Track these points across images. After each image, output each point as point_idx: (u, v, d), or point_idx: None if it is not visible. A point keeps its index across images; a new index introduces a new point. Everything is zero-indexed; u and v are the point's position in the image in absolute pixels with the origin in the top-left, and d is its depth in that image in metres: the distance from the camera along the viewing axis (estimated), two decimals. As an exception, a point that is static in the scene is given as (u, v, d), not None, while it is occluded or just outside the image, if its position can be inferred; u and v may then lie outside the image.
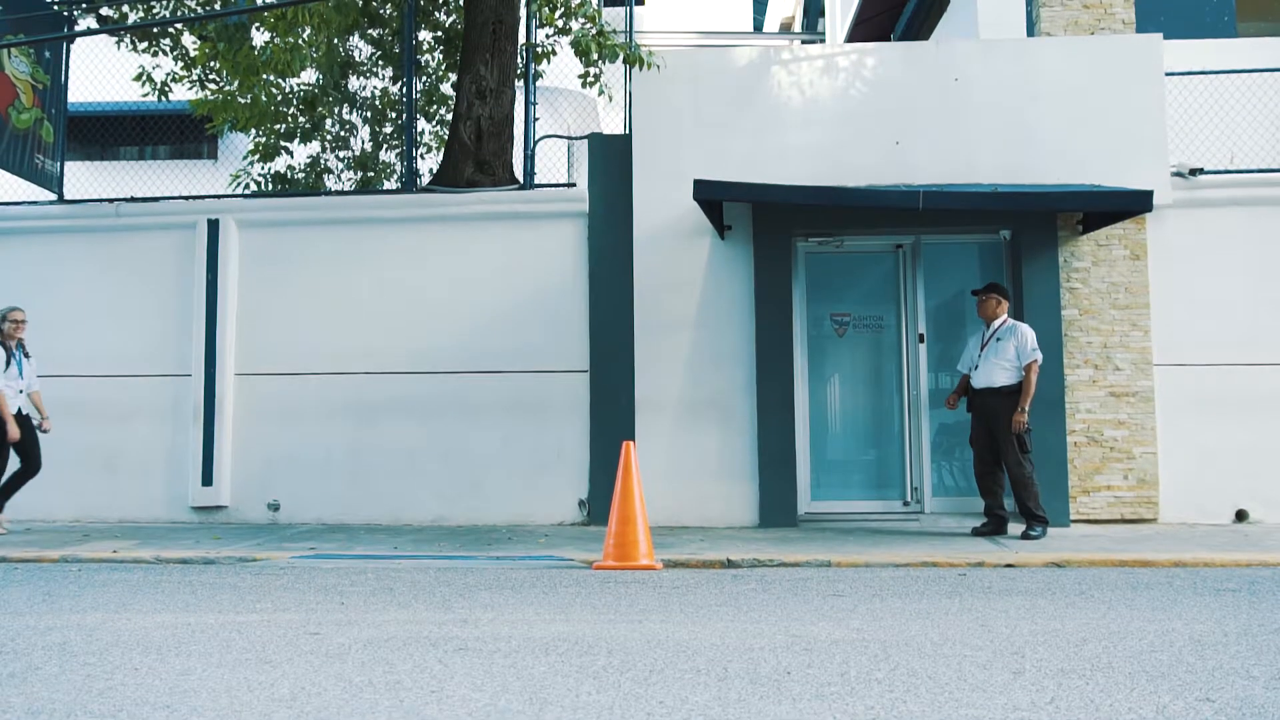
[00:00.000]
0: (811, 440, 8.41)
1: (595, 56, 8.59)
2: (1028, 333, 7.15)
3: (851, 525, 7.96)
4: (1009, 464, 7.09)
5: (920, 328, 8.37)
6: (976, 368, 7.29)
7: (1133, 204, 7.50)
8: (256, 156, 10.40)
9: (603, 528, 7.58)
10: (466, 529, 8.12)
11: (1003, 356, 7.13)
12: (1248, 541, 6.84)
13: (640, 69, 8.30)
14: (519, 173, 9.12)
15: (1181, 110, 8.49)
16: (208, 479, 8.56)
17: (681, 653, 3.55)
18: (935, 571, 5.78)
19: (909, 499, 8.30)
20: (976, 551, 6.34)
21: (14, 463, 7.75)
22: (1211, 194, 8.20)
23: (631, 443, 6.30)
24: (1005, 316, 7.33)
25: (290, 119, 10.35)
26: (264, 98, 9.76)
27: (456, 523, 8.41)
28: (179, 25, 10.15)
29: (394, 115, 10.71)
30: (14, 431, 7.46)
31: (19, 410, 7.60)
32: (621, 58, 8.39)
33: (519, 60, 9.49)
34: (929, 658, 3.45)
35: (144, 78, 9.97)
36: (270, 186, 10.42)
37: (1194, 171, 8.22)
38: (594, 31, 8.50)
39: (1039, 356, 7.09)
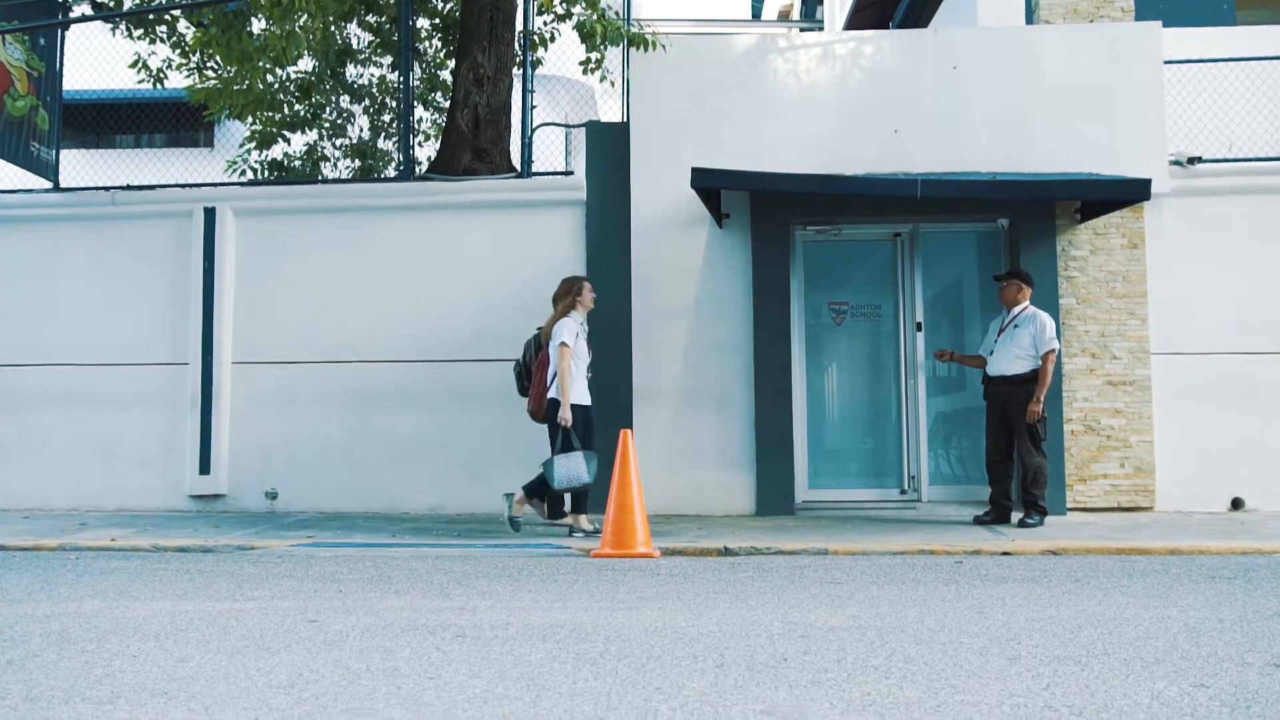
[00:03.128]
0: (809, 429, 8.42)
1: (599, 40, 8.54)
2: (1047, 322, 7.04)
3: (849, 513, 7.97)
4: (1021, 453, 7.06)
5: (918, 316, 8.37)
6: (992, 353, 7.25)
7: (1131, 192, 7.49)
8: (253, 144, 10.36)
9: (600, 516, 7.58)
10: (464, 517, 8.13)
11: (1018, 345, 7.05)
12: (1243, 529, 6.86)
13: (645, 50, 8.26)
14: (516, 161, 9.09)
15: (1180, 99, 8.46)
16: (205, 468, 8.56)
17: (679, 640, 3.56)
18: (932, 559, 5.80)
19: (906, 487, 8.31)
20: (973, 539, 6.36)
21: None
22: (1209, 183, 8.19)
23: (629, 431, 6.30)
24: (1026, 304, 7.22)
25: (287, 107, 10.30)
26: (260, 85, 9.72)
27: (454, 511, 8.42)
28: (175, 12, 10.09)
29: (392, 103, 10.67)
30: (566, 414, 6.67)
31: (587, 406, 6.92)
32: (626, 40, 8.35)
33: (516, 48, 9.46)
34: (925, 644, 3.46)
35: (139, 64, 9.92)
36: (267, 175, 10.38)
37: (1192, 160, 8.20)
38: (596, 16, 8.45)
39: (1056, 346, 7.01)
